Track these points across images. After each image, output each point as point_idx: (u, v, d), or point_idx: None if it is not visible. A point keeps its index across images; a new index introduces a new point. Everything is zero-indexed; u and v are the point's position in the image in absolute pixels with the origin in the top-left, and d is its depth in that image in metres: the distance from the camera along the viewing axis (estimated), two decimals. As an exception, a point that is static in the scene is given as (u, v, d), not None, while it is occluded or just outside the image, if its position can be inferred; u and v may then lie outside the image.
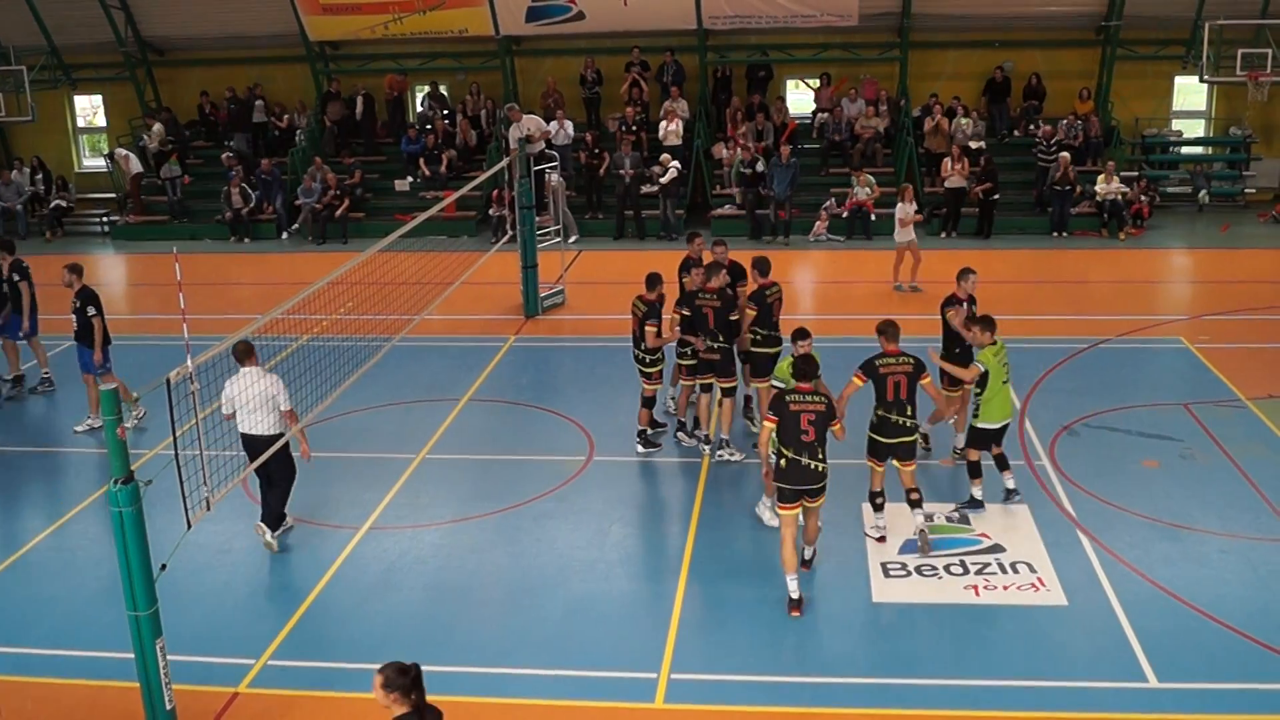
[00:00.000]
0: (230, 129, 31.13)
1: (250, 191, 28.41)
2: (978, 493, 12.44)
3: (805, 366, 10.70)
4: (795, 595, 10.53)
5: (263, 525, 11.98)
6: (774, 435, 10.64)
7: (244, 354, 11.55)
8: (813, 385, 10.56)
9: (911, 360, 11.39)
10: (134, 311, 22.50)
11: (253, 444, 11.65)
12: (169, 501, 9.24)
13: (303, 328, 14.71)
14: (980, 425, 12.31)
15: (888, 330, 11.55)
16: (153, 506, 8.71)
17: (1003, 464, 12.54)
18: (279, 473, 11.92)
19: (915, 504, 11.60)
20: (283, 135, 30.81)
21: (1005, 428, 12.41)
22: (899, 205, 21.78)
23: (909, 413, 11.41)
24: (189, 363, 8.98)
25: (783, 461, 10.49)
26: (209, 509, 9.45)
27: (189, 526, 9.16)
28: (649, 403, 14.23)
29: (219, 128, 31.55)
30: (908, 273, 21.70)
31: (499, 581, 11.36)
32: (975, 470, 12.45)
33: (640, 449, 14.19)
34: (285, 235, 28.39)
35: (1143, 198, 27.08)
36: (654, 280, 14.04)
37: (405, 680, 6.27)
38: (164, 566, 8.61)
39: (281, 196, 28.64)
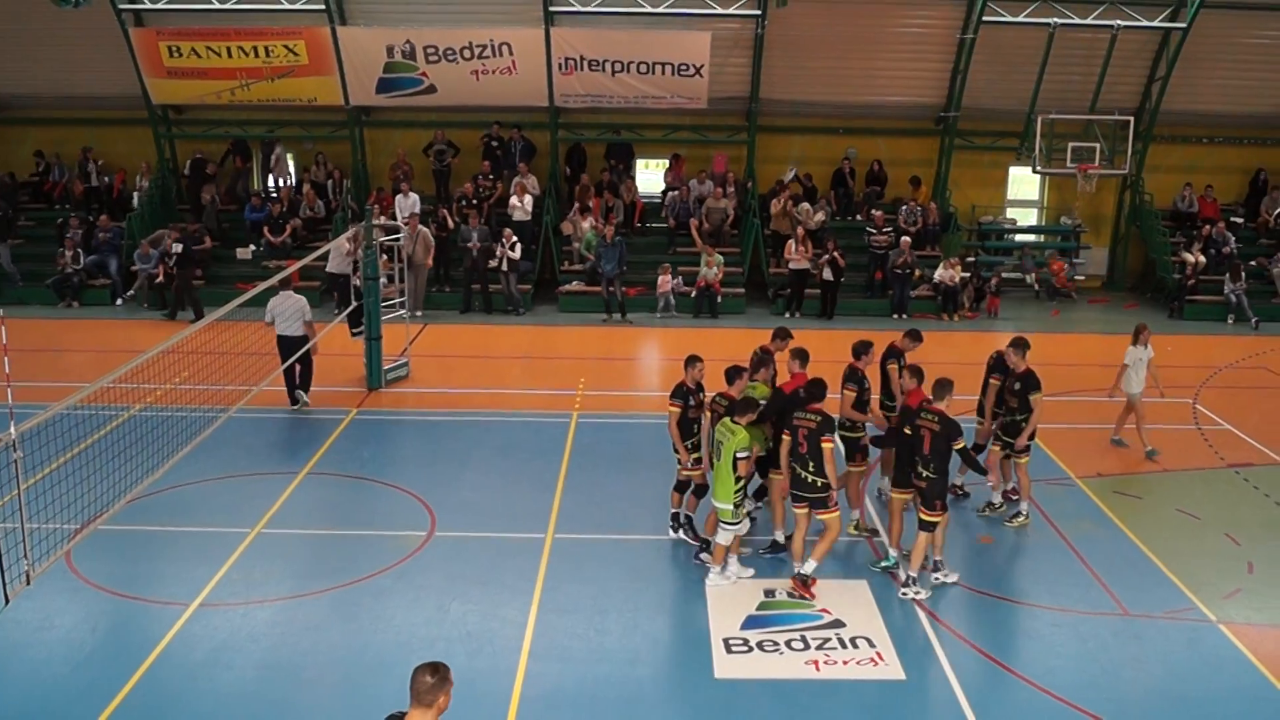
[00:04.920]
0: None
1: (82, 255, 27.55)
2: None
3: (815, 389, 12.32)
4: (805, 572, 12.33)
5: (300, 393, 18.59)
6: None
7: (286, 281, 17.88)
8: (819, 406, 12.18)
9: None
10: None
11: (289, 343, 18.15)
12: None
13: (135, 397, 14.28)
14: None
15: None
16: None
17: None
18: (304, 363, 18.54)
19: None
20: (119, 199, 30.04)
21: None
22: (1130, 349, 17.11)
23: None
24: (12, 430, 8.64)
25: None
26: (28, 583, 9.06)
27: (6, 601, 8.76)
28: (700, 490, 13.61)
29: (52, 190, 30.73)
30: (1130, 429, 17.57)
31: (335, 660, 11.07)
32: None
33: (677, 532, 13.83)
34: (120, 301, 27.58)
35: (990, 286, 28.11)
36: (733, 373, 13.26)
37: None
38: (-23, 644, 8.22)
39: (117, 261, 27.85)
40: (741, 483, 12.16)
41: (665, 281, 27.04)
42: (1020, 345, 14.34)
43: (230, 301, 14.46)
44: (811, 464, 12.05)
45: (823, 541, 12.26)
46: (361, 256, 20.02)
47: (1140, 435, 17.12)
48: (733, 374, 13.12)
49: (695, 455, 13.34)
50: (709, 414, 13.20)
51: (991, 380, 14.83)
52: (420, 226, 26.29)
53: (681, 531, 13.71)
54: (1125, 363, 17.00)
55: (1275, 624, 11.99)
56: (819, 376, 12.53)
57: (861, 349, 13.97)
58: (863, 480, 14.27)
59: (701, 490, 13.46)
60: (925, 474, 12.36)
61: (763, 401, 12.96)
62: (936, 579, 12.67)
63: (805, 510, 12.33)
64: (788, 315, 27.19)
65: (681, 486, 13.62)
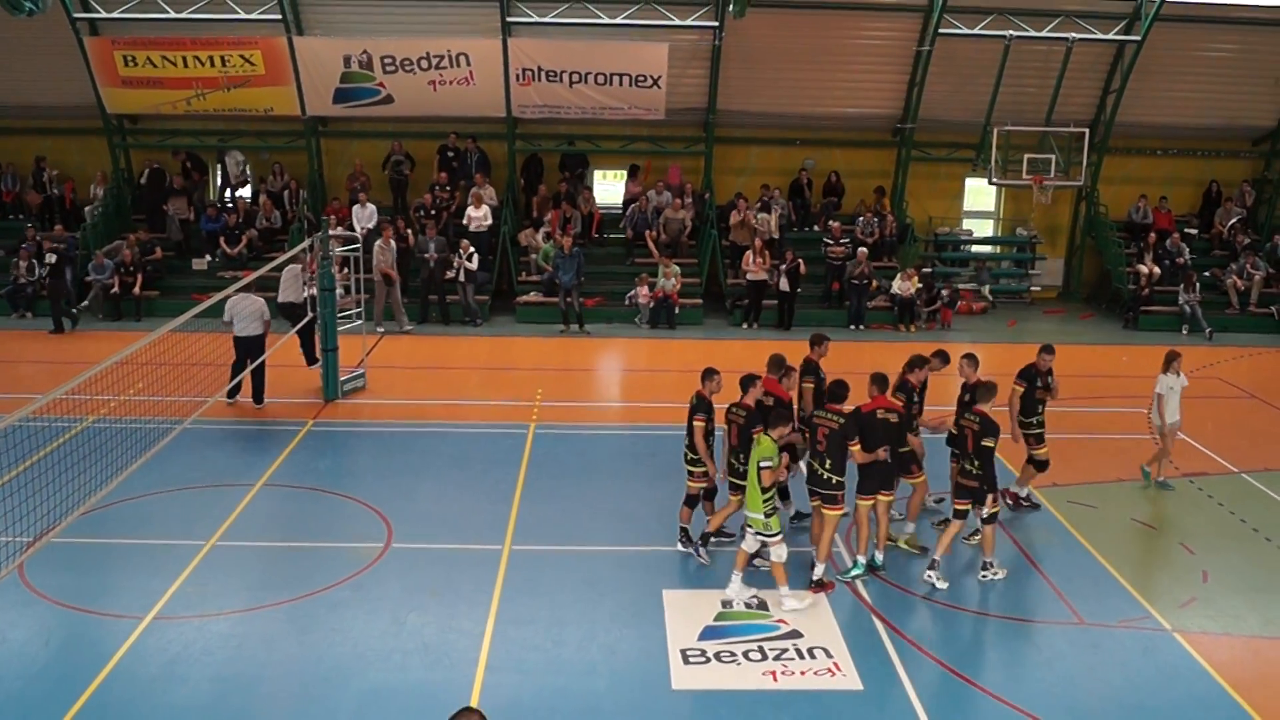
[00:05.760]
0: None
1: (37, 265, 27.20)
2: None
3: (838, 390, 12.80)
4: (817, 577, 12.75)
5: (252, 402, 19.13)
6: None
7: (246, 287, 17.98)
8: (840, 406, 12.65)
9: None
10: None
11: (247, 343, 18.71)
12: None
13: (89, 408, 14.12)
14: None
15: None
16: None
17: None
18: (257, 372, 18.91)
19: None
20: (73, 209, 29.68)
21: None
22: (1161, 377, 16.25)
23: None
24: (-40, 443, 8.53)
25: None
26: (-23, 598, 8.94)
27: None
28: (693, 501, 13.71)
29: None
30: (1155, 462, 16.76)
31: (291, 673, 10.97)
32: None
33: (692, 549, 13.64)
34: (75, 312, 27.23)
35: (942, 295, 28.26)
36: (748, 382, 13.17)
37: None
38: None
39: (72, 272, 27.50)
40: (769, 494, 12.12)
41: (644, 292, 27.10)
42: (972, 359, 14.48)
43: (185, 313, 14.30)
44: (829, 461, 12.43)
45: (822, 542, 12.68)
46: (317, 269, 19.83)
47: (1158, 464, 16.58)
48: (746, 383, 13.11)
49: (704, 468, 13.40)
50: (728, 425, 13.16)
51: (1016, 386, 15.17)
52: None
53: (693, 544, 13.61)
54: (1158, 392, 16.15)
55: (1230, 632, 12.10)
56: (841, 378, 12.92)
57: (917, 363, 14.12)
58: (925, 494, 14.31)
59: (693, 501, 13.60)
60: (973, 471, 12.79)
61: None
62: (984, 577, 13.00)
63: (817, 504, 12.75)
64: (745, 326, 27.27)
65: (709, 494, 13.63)
